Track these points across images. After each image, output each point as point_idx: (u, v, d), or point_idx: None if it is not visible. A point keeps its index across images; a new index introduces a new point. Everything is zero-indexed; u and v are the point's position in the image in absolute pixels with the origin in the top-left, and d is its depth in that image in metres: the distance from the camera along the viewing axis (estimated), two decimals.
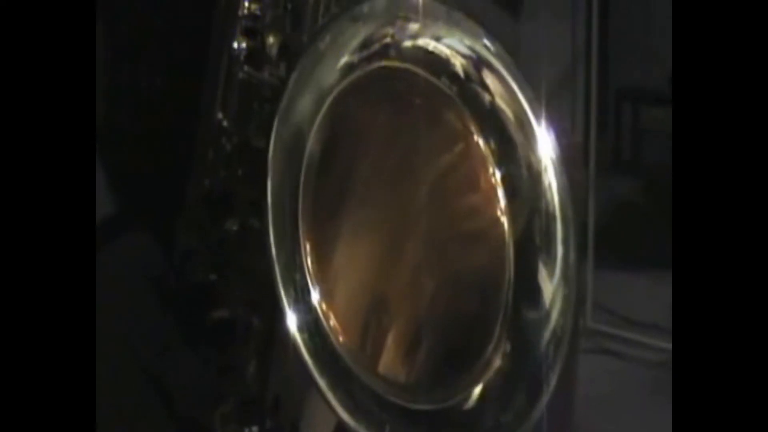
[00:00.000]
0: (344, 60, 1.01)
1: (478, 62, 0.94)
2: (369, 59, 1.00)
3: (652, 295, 2.64)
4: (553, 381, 0.92)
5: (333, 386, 0.99)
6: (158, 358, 1.18)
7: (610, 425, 2.37)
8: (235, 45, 1.15)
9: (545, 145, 0.91)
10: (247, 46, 1.15)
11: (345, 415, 0.98)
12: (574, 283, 0.91)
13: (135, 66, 1.26)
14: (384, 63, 0.99)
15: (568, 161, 0.89)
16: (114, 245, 1.17)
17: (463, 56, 0.95)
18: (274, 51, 1.13)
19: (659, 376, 2.53)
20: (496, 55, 0.93)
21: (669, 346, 2.52)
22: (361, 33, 1.00)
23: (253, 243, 1.10)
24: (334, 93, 1.01)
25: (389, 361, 1.02)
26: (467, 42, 0.95)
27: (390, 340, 1.02)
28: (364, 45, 1.00)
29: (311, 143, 1.02)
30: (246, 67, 1.15)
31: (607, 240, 2.89)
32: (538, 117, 0.91)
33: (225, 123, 1.16)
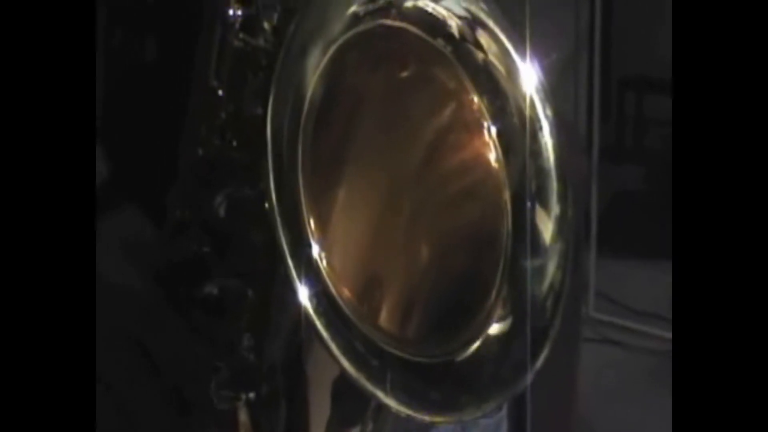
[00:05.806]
0: (352, 9, 1.01)
1: (473, 23, 0.96)
2: (373, 14, 1.00)
3: (653, 285, 2.64)
4: (552, 336, 0.92)
5: (334, 337, 0.99)
6: (151, 331, 1.17)
7: (611, 414, 2.38)
8: (230, 12, 1.14)
9: (530, 80, 0.92)
10: (242, 12, 1.14)
11: (346, 364, 0.97)
12: (572, 241, 0.92)
13: (128, 34, 1.25)
14: (383, 21, 0.99)
15: (555, 93, 0.91)
16: (105, 217, 1.16)
17: (459, 17, 0.96)
18: (270, 18, 1.12)
19: (660, 365, 2.53)
20: (492, 16, 0.94)
21: (670, 335, 2.52)
22: None
23: (247, 212, 1.09)
24: (338, 43, 1.00)
25: (392, 317, 1.02)
26: (464, 4, 0.96)
27: (392, 297, 1.02)
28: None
29: (311, 93, 1.01)
30: (241, 35, 1.14)
31: (609, 229, 2.89)
32: (522, 55, 0.92)
33: (219, 91, 1.15)
